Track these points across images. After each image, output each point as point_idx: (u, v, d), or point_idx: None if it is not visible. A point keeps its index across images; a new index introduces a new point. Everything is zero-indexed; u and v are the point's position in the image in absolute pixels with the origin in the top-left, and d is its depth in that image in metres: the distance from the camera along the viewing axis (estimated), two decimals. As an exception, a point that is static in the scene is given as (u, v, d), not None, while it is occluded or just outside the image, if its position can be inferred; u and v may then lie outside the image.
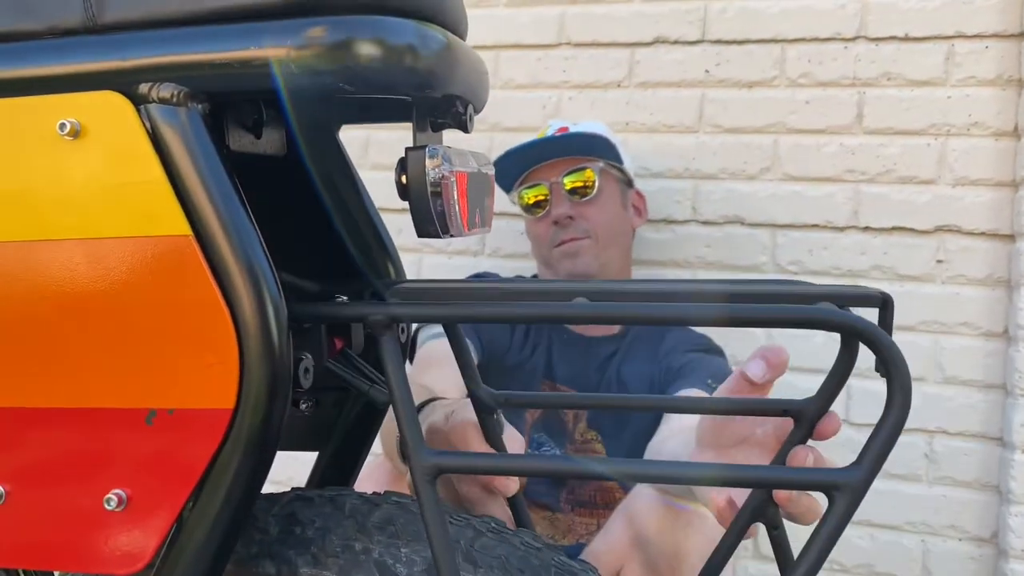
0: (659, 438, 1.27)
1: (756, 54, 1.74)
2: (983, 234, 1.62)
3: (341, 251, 0.75)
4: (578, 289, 0.58)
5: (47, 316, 0.56)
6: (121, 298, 0.55)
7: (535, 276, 1.71)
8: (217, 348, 0.53)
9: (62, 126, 0.55)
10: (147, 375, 0.55)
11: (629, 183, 1.65)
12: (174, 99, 0.54)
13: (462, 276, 1.73)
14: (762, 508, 0.64)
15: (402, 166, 0.58)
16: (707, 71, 1.77)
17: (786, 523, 0.66)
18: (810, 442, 0.64)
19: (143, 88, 0.55)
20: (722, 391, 0.72)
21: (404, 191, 0.58)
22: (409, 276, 2.12)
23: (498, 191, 1.72)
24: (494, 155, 1.91)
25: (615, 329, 1.60)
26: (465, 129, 0.62)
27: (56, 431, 0.56)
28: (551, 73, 1.86)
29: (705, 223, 1.77)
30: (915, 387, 1.67)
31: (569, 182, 1.57)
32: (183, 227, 0.54)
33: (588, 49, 1.84)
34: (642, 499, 1.30)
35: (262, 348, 0.53)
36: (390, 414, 0.91)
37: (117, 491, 0.55)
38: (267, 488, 0.62)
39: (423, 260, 1.93)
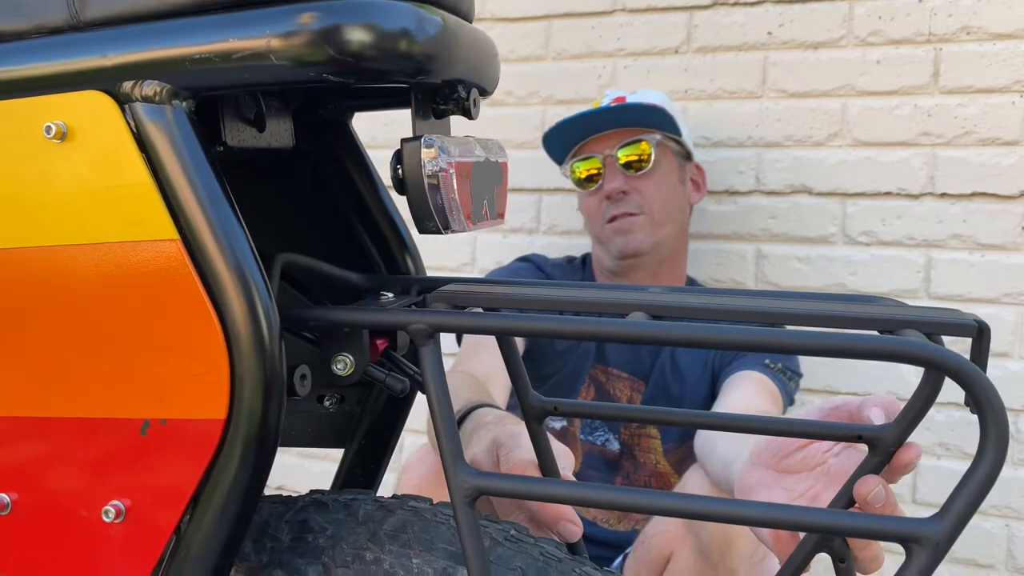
0: (709, 434, 1.22)
1: (821, 12, 1.64)
2: (1074, 198, 1.50)
3: (358, 245, 0.72)
4: (636, 302, 0.54)
5: (40, 323, 0.55)
6: (110, 305, 0.53)
7: (587, 255, 1.66)
8: (207, 356, 0.51)
9: (48, 128, 0.53)
10: (139, 385, 0.53)
11: (688, 156, 1.58)
12: (157, 97, 0.52)
13: (517, 256, 1.69)
14: (827, 539, 0.60)
15: (397, 158, 0.54)
16: (770, 33, 1.68)
17: None
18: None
19: (127, 87, 0.53)
20: (815, 413, 0.68)
21: (401, 185, 0.55)
22: (463, 254, 2.09)
23: (552, 164, 1.68)
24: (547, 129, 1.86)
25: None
26: (469, 115, 0.58)
27: (57, 441, 0.55)
28: (605, 42, 1.80)
29: (770, 193, 1.69)
30: (999, 363, 1.57)
31: (623, 155, 1.51)
32: (170, 231, 0.52)
33: (644, 15, 1.77)
34: (695, 486, 1.25)
35: (254, 356, 0.51)
36: (472, 414, 0.89)
37: (116, 502, 0.54)
38: (312, 483, 0.60)
39: (477, 238, 1.90)
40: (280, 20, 0.50)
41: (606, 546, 1.48)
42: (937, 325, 0.52)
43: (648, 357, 1.54)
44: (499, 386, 1.32)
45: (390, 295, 0.66)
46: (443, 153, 0.53)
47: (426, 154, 0.53)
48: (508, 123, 1.86)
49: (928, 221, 1.59)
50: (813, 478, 0.69)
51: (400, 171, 0.54)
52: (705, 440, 1.23)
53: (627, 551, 1.42)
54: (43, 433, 0.55)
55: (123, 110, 0.53)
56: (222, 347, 0.51)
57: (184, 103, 0.52)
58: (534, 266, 1.60)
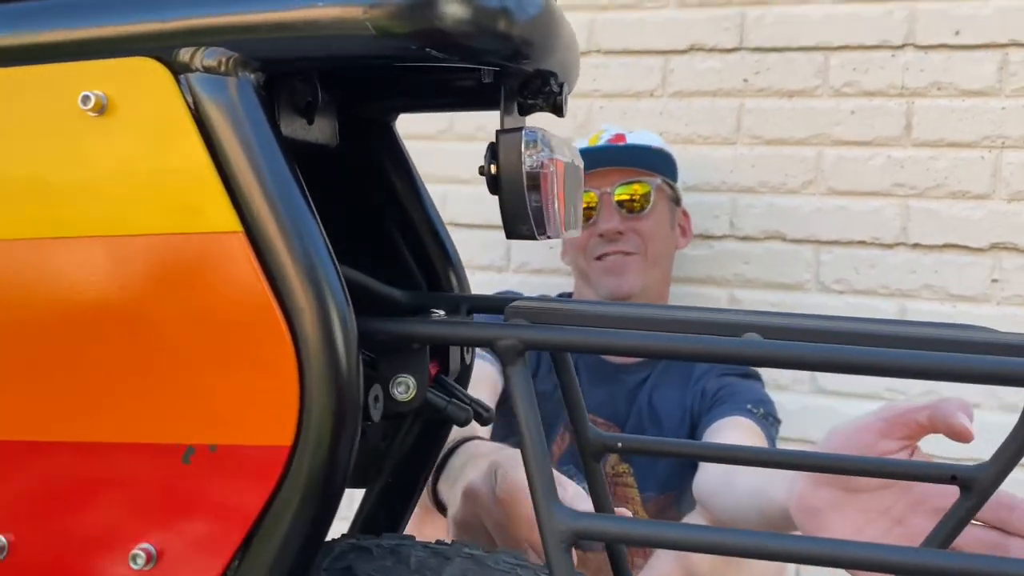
0: (721, 469, 1.17)
1: (797, 62, 1.66)
2: (1041, 252, 1.53)
3: (397, 258, 0.65)
4: (749, 323, 0.48)
5: (62, 329, 0.46)
6: (153, 308, 0.45)
7: (563, 294, 1.61)
8: (272, 371, 0.43)
9: (85, 99, 0.45)
10: (185, 403, 0.45)
11: (677, 201, 1.56)
12: (222, 67, 0.45)
13: (487, 293, 1.63)
14: None
15: (492, 152, 0.48)
16: (745, 80, 1.68)
17: None
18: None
19: (184, 54, 0.45)
20: (868, 431, 0.63)
21: (494, 182, 0.48)
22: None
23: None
24: (519, 167, 1.82)
25: (647, 353, 1.50)
26: (560, 112, 0.53)
27: (71, 470, 0.46)
28: (581, 82, 1.76)
29: (744, 239, 1.68)
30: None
31: (621, 194, 1.48)
32: (231, 222, 0.44)
33: (620, 57, 1.76)
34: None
35: (327, 371, 0.43)
36: (459, 448, 0.82)
37: (145, 546, 0.45)
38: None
39: (443, 277, 1.83)
40: (379, -15, 0.43)
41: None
42: None
43: (625, 402, 1.49)
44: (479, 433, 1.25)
45: (441, 313, 0.59)
46: (546, 148, 0.47)
47: (527, 149, 0.47)
48: (479, 157, 1.81)
49: (901, 271, 1.60)
50: (894, 496, 0.64)
51: (494, 167, 0.48)
52: (713, 476, 1.18)
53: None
54: (53, 460, 0.46)
55: (178, 81, 0.45)
56: (291, 359, 0.43)
57: (253, 76, 0.45)
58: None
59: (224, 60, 0.45)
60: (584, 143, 1.57)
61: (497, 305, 0.70)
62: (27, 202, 0.46)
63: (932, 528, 0.61)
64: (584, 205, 1.50)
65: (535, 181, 0.48)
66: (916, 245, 1.59)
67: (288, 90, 0.53)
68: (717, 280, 1.69)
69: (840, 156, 1.63)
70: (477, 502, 0.70)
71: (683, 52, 1.72)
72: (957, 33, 1.57)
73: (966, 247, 1.57)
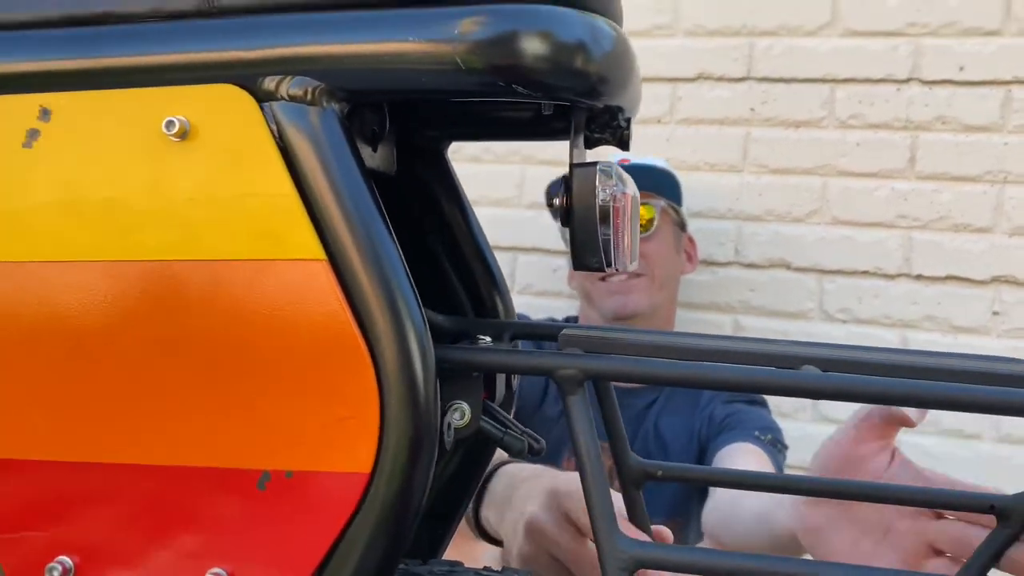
0: (728, 496, 1.17)
1: (804, 93, 1.68)
2: (1041, 286, 1.56)
3: (445, 284, 0.66)
4: (807, 355, 0.49)
5: (138, 350, 0.46)
6: (233, 332, 0.45)
7: (569, 318, 1.62)
8: (353, 398, 0.44)
9: (169, 124, 0.45)
10: (261, 428, 0.45)
11: (683, 226, 1.57)
12: (308, 97, 0.45)
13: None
14: None
15: (566, 185, 0.49)
16: (752, 109, 1.71)
17: None
18: None
19: (269, 83, 0.46)
20: (844, 441, 0.66)
21: (567, 215, 0.49)
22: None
23: (529, 223, 1.64)
24: (525, 191, 1.83)
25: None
26: (626, 146, 0.54)
27: (145, 493, 0.46)
28: (589, 106, 1.79)
29: (749, 266, 1.70)
30: (969, 445, 1.59)
31: None
32: (315, 250, 0.44)
33: (628, 83, 1.77)
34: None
35: (406, 398, 0.44)
36: (498, 471, 0.82)
37: (217, 571, 0.45)
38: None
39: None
40: (467, 22, 0.44)
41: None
42: None
43: (630, 425, 1.50)
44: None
45: (487, 339, 0.60)
46: (620, 183, 0.48)
47: (602, 182, 0.48)
48: (486, 181, 1.82)
49: (903, 302, 1.62)
50: (893, 513, 0.66)
51: (567, 199, 0.49)
52: (721, 505, 1.18)
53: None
54: (127, 482, 0.46)
55: (263, 109, 0.46)
56: (372, 387, 0.44)
57: (338, 106, 0.46)
58: None
59: (310, 89, 0.45)
60: None
61: (542, 332, 0.71)
62: (108, 223, 0.46)
63: (926, 535, 0.62)
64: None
65: (606, 214, 0.48)
66: (919, 276, 1.62)
67: (360, 119, 0.53)
68: (721, 307, 1.71)
69: (845, 187, 1.66)
70: (544, 536, 0.70)
71: (691, 80, 1.75)
72: (961, 69, 1.60)
73: (968, 279, 1.59)
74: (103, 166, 0.46)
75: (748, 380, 0.48)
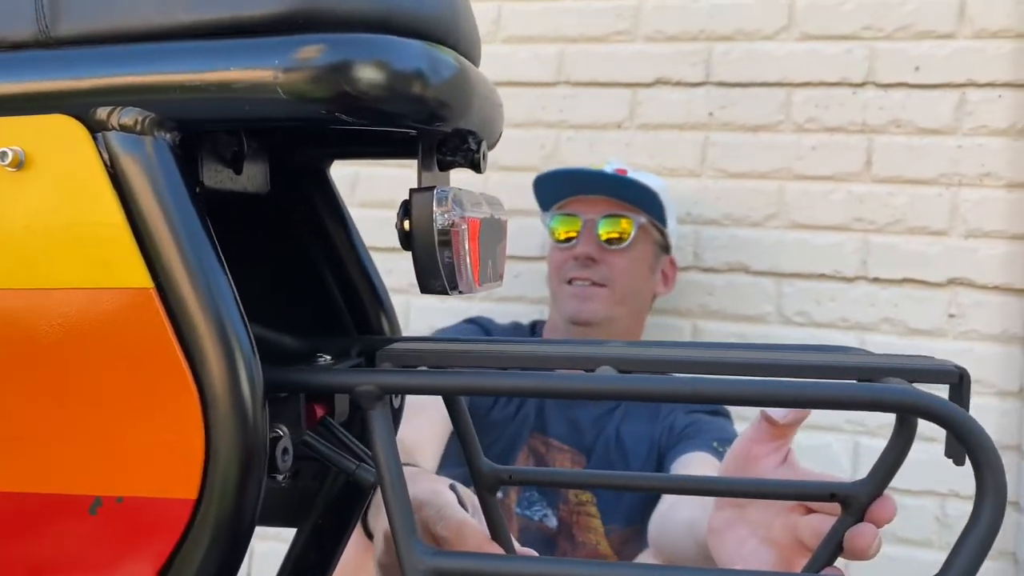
0: (666, 505, 1.18)
1: (761, 97, 1.68)
2: (996, 288, 1.56)
3: (327, 302, 0.66)
4: (605, 355, 0.50)
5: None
6: (63, 361, 0.46)
7: (535, 322, 1.62)
8: (178, 424, 0.44)
9: (3, 155, 0.46)
10: (93, 454, 0.45)
11: (666, 248, 1.57)
12: (138, 127, 0.46)
13: (455, 321, 1.64)
14: None
15: (405, 210, 0.49)
16: (711, 114, 1.71)
17: None
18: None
19: (101, 113, 0.46)
20: (744, 440, 0.68)
21: (407, 239, 0.50)
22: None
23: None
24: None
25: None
26: (478, 168, 0.54)
27: (-20, 520, 0.47)
28: (548, 112, 1.80)
29: (707, 270, 1.70)
30: (926, 447, 1.59)
31: (604, 225, 1.50)
32: (143, 279, 0.45)
33: (588, 88, 1.78)
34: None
35: (233, 424, 0.44)
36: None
37: (51, 595, 0.45)
38: (258, 565, 0.53)
39: (411, 303, 1.84)
40: (291, 51, 0.45)
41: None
42: (917, 372, 0.50)
43: (591, 430, 1.50)
44: (428, 454, 1.26)
45: (328, 357, 0.61)
46: (457, 207, 0.49)
47: (438, 208, 0.49)
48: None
49: (861, 304, 1.62)
50: (770, 507, 0.67)
51: (407, 224, 0.49)
52: (659, 513, 1.19)
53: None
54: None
55: (95, 139, 0.46)
56: (197, 413, 0.44)
57: (168, 135, 0.46)
58: (480, 328, 1.55)
59: (140, 119, 0.46)
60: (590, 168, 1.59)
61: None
62: (-57, 254, 0.47)
63: (795, 530, 0.63)
64: (570, 233, 1.52)
65: (446, 238, 0.49)
66: (876, 279, 1.62)
67: (212, 142, 0.54)
68: (681, 311, 1.71)
69: (802, 190, 1.66)
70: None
71: (650, 85, 1.75)
72: (917, 69, 1.60)
73: (924, 282, 1.59)
74: (-60, 197, 0.47)
75: (536, 386, 0.48)
